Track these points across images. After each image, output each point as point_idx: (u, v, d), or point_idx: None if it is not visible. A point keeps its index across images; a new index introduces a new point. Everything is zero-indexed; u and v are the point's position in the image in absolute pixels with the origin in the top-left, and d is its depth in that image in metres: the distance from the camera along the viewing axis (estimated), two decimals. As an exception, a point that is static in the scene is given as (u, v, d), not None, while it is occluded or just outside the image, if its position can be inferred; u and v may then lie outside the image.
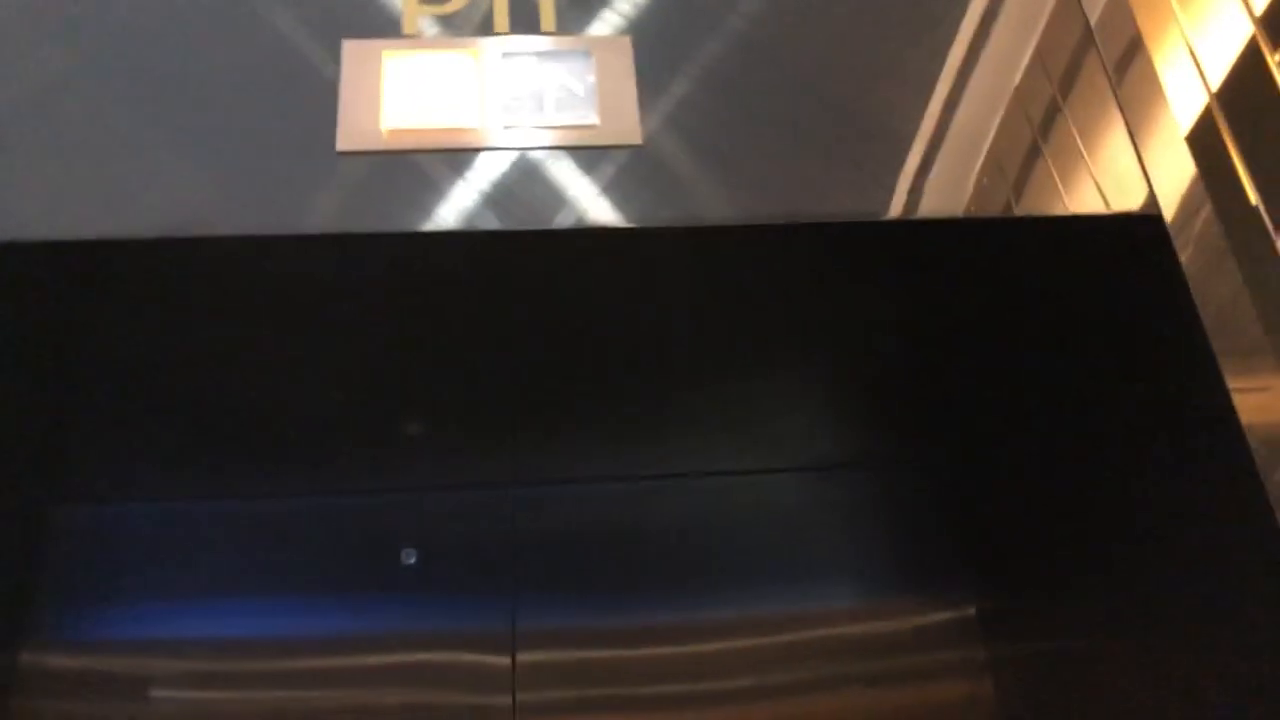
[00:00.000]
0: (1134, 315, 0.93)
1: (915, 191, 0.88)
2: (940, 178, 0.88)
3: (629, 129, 0.88)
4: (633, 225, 0.85)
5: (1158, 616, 0.94)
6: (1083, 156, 0.90)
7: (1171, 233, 0.85)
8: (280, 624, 1.23)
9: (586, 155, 0.87)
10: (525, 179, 0.86)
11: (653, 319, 1.06)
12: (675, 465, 1.33)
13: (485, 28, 0.92)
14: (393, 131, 0.86)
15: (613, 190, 0.86)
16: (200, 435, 1.19)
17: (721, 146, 0.88)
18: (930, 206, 0.87)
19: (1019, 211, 0.88)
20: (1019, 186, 0.89)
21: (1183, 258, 0.84)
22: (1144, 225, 0.87)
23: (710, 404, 1.22)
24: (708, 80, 0.91)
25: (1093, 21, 0.95)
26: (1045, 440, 1.12)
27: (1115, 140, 0.91)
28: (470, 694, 1.20)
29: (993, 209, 0.88)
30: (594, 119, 0.88)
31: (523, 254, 0.92)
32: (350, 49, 0.89)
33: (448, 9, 0.92)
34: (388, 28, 0.91)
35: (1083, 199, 0.89)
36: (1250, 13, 0.90)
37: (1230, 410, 0.78)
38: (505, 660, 1.22)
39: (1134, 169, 0.89)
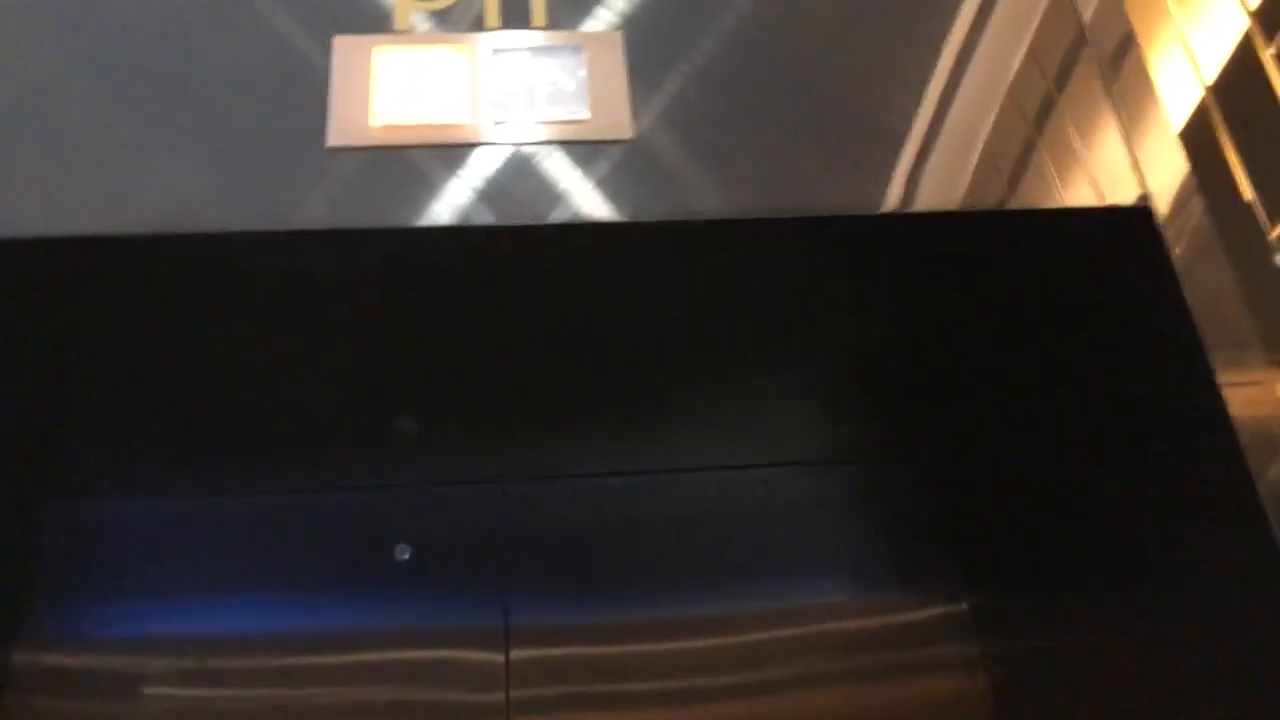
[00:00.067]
0: (1126, 310, 0.93)
1: (910, 186, 0.88)
2: (935, 173, 0.88)
3: (620, 124, 0.87)
4: (625, 220, 0.85)
5: (1150, 612, 0.94)
6: (1076, 152, 0.90)
7: (1163, 227, 0.85)
8: (274, 621, 1.23)
9: (578, 150, 0.87)
10: (516, 174, 0.86)
11: (647, 315, 1.06)
12: (669, 461, 1.33)
13: (476, 23, 0.92)
14: (383, 127, 0.86)
15: (604, 185, 0.86)
16: (194, 432, 1.19)
17: (714, 141, 0.88)
18: (925, 201, 0.87)
19: (1013, 206, 0.88)
20: (1013, 182, 0.89)
21: (1174, 252, 0.84)
22: (1135, 219, 0.87)
23: (705, 400, 1.22)
24: (700, 75, 0.91)
25: (1086, 17, 0.95)
26: (1038, 436, 1.12)
27: (1108, 136, 0.91)
28: (464, 691, 1.20)
29: (987, 204, 0.88)
30: (585, 114, 0.88)
31: (514, 249, 0.92)
32: (341, 44, 0.89)
33: (439, 4, 0.92)
34: (379, 23, 0.91)
35: (1076, 194, 0.89)
36: (1245, 7, 0.90)
37: (1221, 405, 0.78)
38: (499, 657, 1.22)
39: (1127, 164, 0.89)
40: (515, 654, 1.22)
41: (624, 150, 0.87)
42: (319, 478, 1.29)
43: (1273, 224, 0.83)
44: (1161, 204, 0.86)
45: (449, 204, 0.84)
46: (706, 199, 0.86)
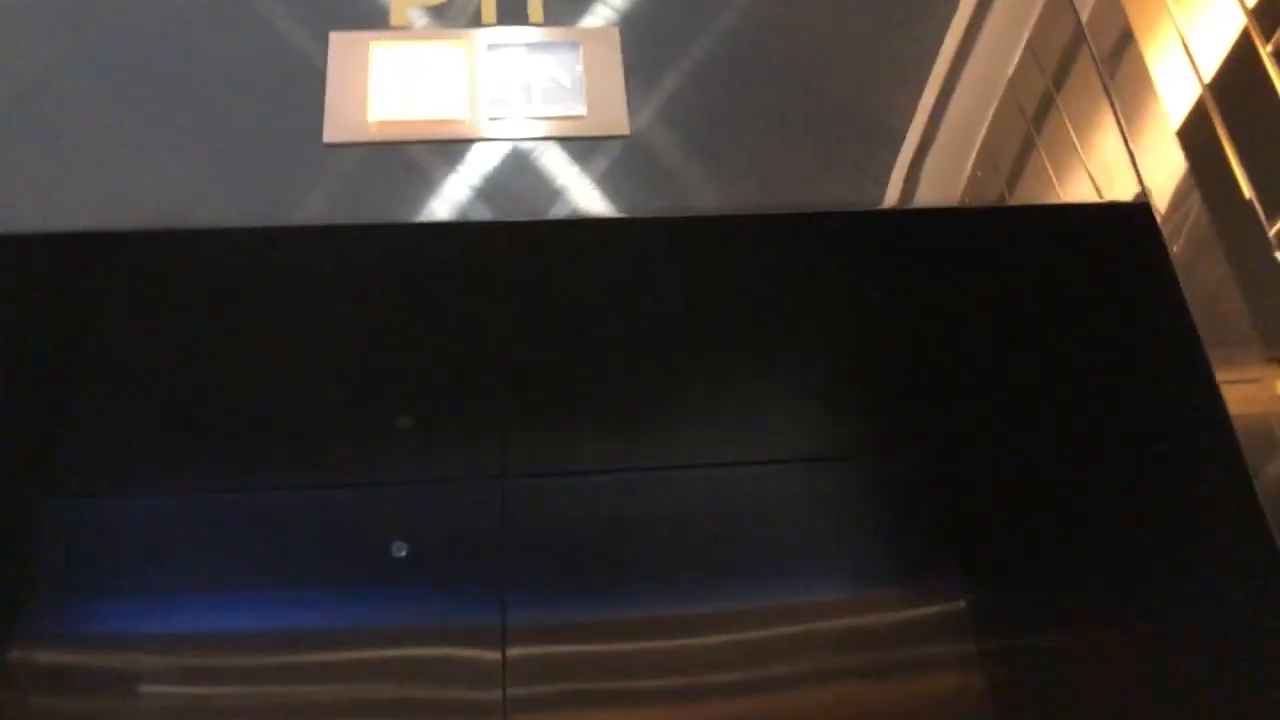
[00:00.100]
0: (1124, 308, 0.93)
1: (908, 182, 0.88)
2: (933, 169, 0.88)
3: (617, 120, 0.87)
4: (622, 216, 0.85)
5: (1147, 610, 0.94)
6: (1075, 149, 0.90)
7: (1161, 225, 0.85)
8: (271, 618, 1.23)
9: (574, 146, 0.87)
10: (513, 170, 0.86)
11: (645, 312, 1.06)
12: (667, 458, 1.33)
13: (473, 19, 0.92)
14: (380, 123, 0.86)
15: (601, 181, 0.86)
16: (192, 430, 1.19)
17: (711, 138, 0.88)
18: (923, 198, 0.87)
19: (1012, 202, 0.88)
20: (1012, 179, 0.89)
21: (1173, 250, 0.84)
22: (1134, 216, 0.87)
23: (703, 397, 1.22)
24: (697, 72, 0.91)
25: (1084, 15, 0.95)
26: (1036, 433, 1.12)
27: (1107, 133, 0.90)
28: (461, 688, 1.20)
29: (985, 201, 0.88)
30: (581, 110, 0.87)
31: (511, 245, 0.91)
32: (338, 40, 0.88)
33: (436, 0, 0.92)
34: (376, 19, 0.91)
35: (1075, 191, 0.89)
36: (1243, 5, 0.89)
37: (1219, 403, 0.78)
38: (495, 655, 1.22)
39: (1125, 162, 0.89)
40: (512, 651, 1.22)
41: (621, 146, 0.87)
42: (316, 475, 1.29)
43: (1271, 221, 0.83)
44: (1160, 201, 0.86)
45: (446, 200, 0.84)
46: (704, 195, 0.86)
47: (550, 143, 0.87)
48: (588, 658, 1.23)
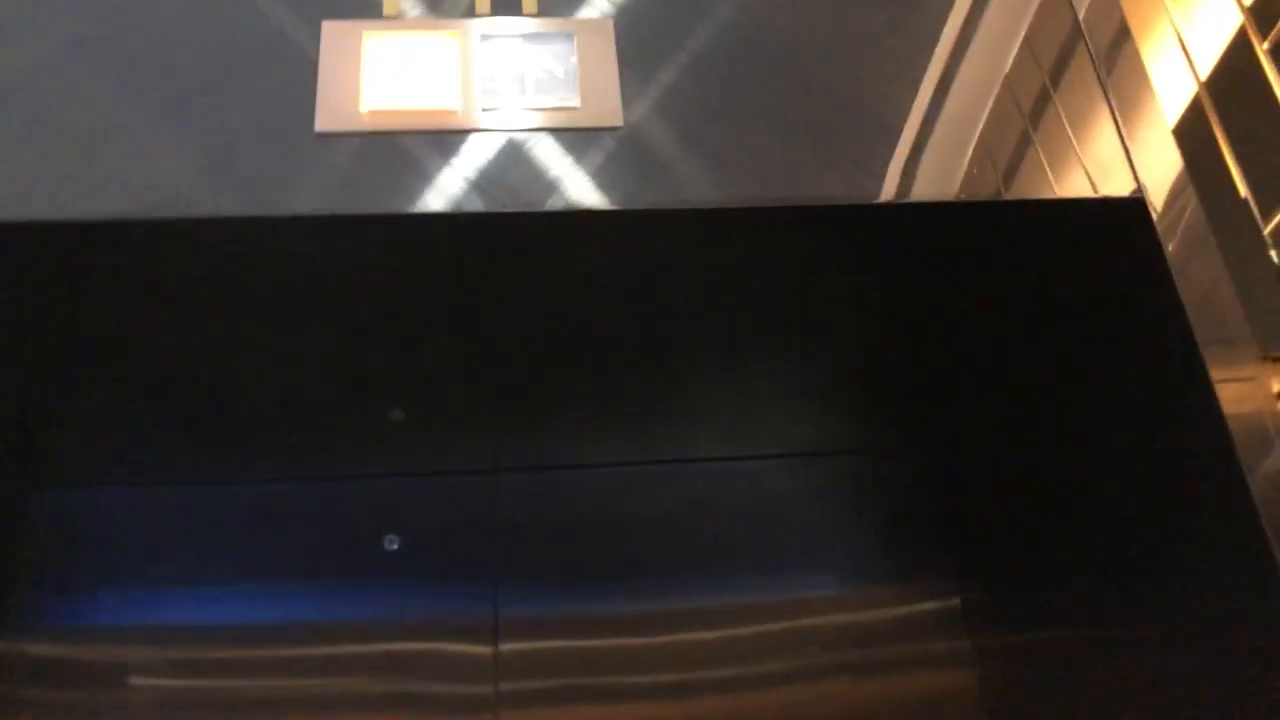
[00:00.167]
0: (1119, 305, 0.93)
1: (905, 177, 0.87)
2: (930, 164, 0.88)
3: (610, 111, 0.87)
4: (616, 208, 0.84)
5: (1142, 608, 0.94)
6: (1072, 145, 0.90)
7: (1156, 222, 0.85)
8: (261, 611, 1.22)
9: (568, 138, 0.86)
10: (506, 161, 0.85)
11: (639, 305, 1.06)
12: (660, 452, 1.33)
13: (467, 9, 0.91)
14: (372, 113, 0.85)
15: (595, 173, 0.85)
16: (181, 420, 1.18)
17: (706, 131, 0.88)
18: (920, 192, 0.87)
19: (1008, 197, 0.88)
20: (1008, 174, 0.89)
21: (1168, 247, 0.84)
22: (1129, 211, 0.87)
23: (696, 390, 1.22)
24: (692, 64, 0.91)
25: (1081, 11, 0.95)
26: (1031, 431, 1.12)
27: (1103, 130, 0.90)
28: (452, 682, 1.20)
29: (982, 196, 0.88)
30: (575, 101, 0.87)
31: (504, 237, 0.91)
32: (330, 29, 0.88)
33: (429, -10, 0.92)
34: (369, 8, 0.90)
35: (1071, 188, 0.89)
36: (1239, 2, 0.89)
37: (1213, 401, 0.78)
38: (488, 649, 1.22)
39: (1121, 159, 0.89)
40: (504, 646, 1.22)
41: (615, 138, 0.87)
42: (308, 467, 1.28)
43: (1266, 219, 0.83)
44: (1155, 198, 0.86)
45: (438, 191, 0.84)
46: (698, 188, 0.86)
47: (544, 134, 0.87)
48: (580, 653, 1.23)
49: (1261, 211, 0.83)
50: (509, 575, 1.25)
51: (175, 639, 1.20)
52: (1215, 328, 0.80)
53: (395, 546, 1.26)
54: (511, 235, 0.91)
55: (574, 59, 0.89)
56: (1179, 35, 0.90)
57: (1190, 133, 0.86)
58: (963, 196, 0.88)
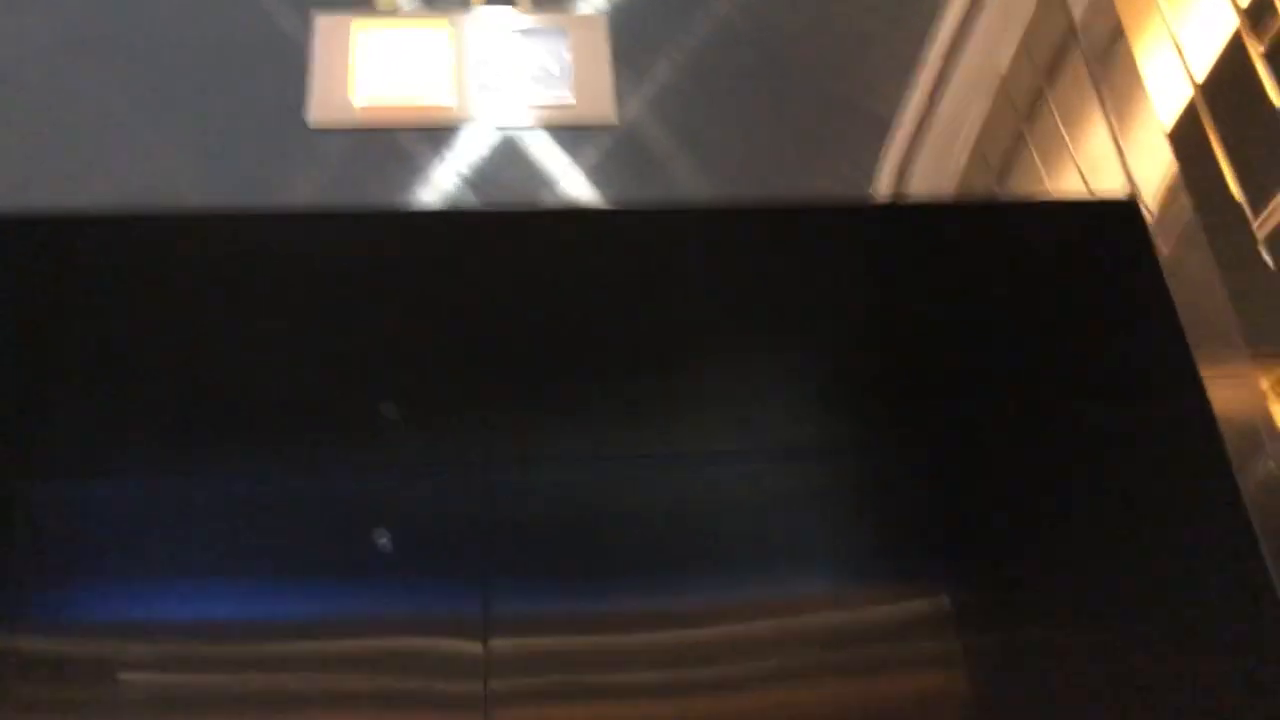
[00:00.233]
0: (1112, 305, 0.93)
1: (900, 176, 0.87)
2: (924, 163, 0.88)
3: (604, 108, 0.87)
4: (610, 206, 0.84)
5: (1132, 609, 0.94)
6: (1066, 145, 0.90)
7: (1149, 221, 0.85)
8: (251, 607, 1.22)
9: (562, 135, 0.86)
10: (499, 157, 0.85)
11: (631, 301, 1.06)
12: (653, 449, 1.33)
13: (460, 2, 0.91)
14: (364, 107, 0.85)
15: (589, 171, 0.85)
16: (172, 415, 1.18)
17: (701, 128, 0.87)
18: (914, 191, 0.87)
19: (1002, 197, 0.88)
20: (1003, 174, 0.89)
21: (1160, 248, 0.84)
22: (1122, 211, 0.87)
23: (687, 387, 1.22)
24: (686, 61, 0.90)
25: (1076, 12, 0.95)
26: (1022, 431, 1.12)
27: (1097, 129, 0.90)
28: (442, 680, 1.19)
29: (976, 195, 0.88)
30: (569, 98, 0.87)
31: (497, 234, 0.91)
32: (321, 22, 0.87)
33: (422, -18, 0.91)
34: (360, 0, 0.90)
35: (1064, 188, 0.89)
36: (1235, 5, 0.89)
37: (1204, 400, 0.78)
38: (478, 646, 1.21)
39: (1115, 160, 0.89)
40: (495, 643, 1.22)
41: (609, 135, 0.86)
42: (298, 462, 1.28)
43: (1258, 220, 0.83)
44: (1149, 200, 0.86)
45: (431, 186, 0.83)
46: (692, 186, 0.86)
47: (537, 131, 0.86)
48: (571, 650, 1.23)
49: (1254, 212, 0.83)
50: (500, 572, 1.25)
51: (164, 634, 1.19)
52: (1207, 328, 0.80)
53: (386, 542, 1.26)
54: (505, 232, 0.90)
55: (568, 55, 0.88)
56: (1173, 36, 0.90)
57: (1184, 133, 0.87)
58: (957, 196, 0.88)
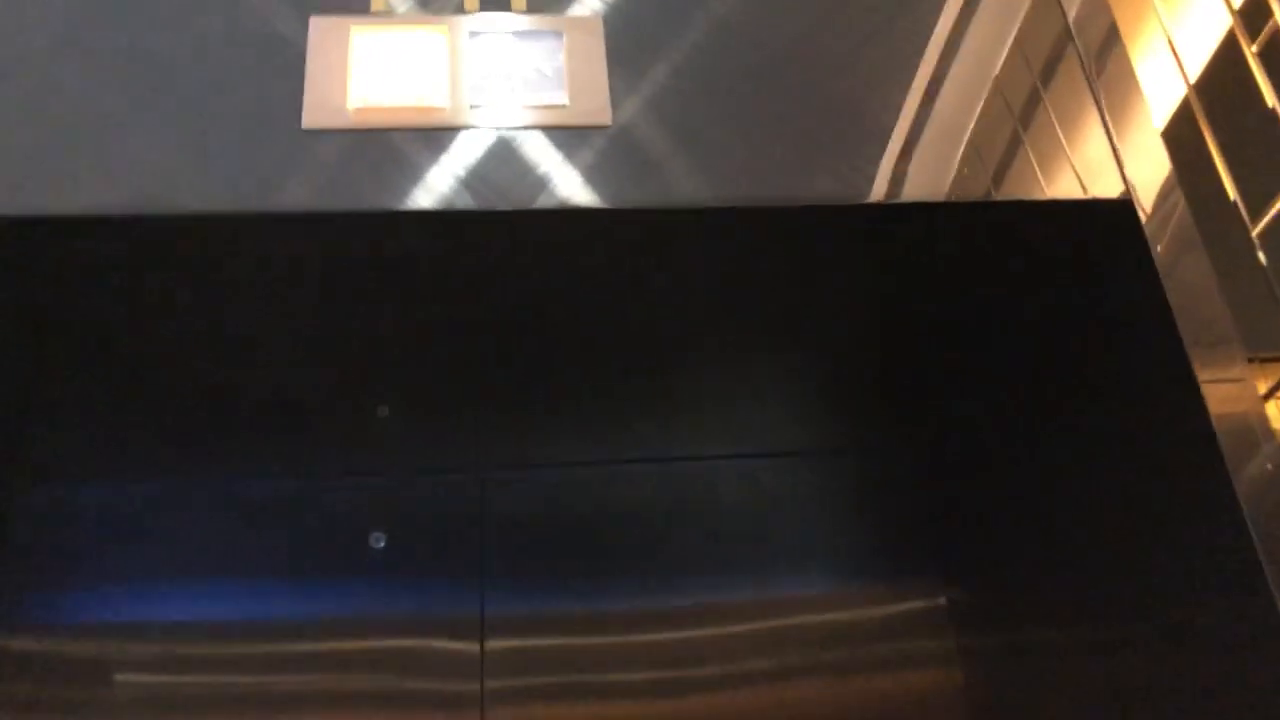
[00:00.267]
0: (1107, 306, 0.93)
1: (895, 177, 0.87)
2: (920, 164, 0.88)
3: (598, 110, 0.87)
4: (604, 207, 0.84)
5: (1127, 609, 0.94)
6: (1061, 146, 0.90)
7: (1145, 222, 0.85)
8: (247, 608, 1.22)
9: (557, 136, 0.86)
10: (494, 159, 0.85)
11: (628, 303, 1.06)
12: (646, 450, 1.32)
13: (456, 6, 0.91)
14: (359, 109, 0.85)
15: (584, 171, 0.85)
16: (168, 418, 1.18)
17: (696, 130, 0.87)
18: (910, 192, 0.87)
19: (997, 198, 0.88)
20: (998, 175, 0.89)
21: (1156, 249, 0.84)
22: (1117, 212, 0.87)
23: (683, 389, 1.22)
24: (681, 63, 0.90)
25: (1071, 13, 0.95)
26: (1018, 432, 1.12)
27: (1092, 131, 0.90)
28: (439, 680, 1.19)
29: (972, 196, 0.88)
30: (564, 99, 0.87)
31: (492, 235, 0.91)
32: (317, 24, 0.87)
33: (417, -15, 0.91)
34: (356, 3, 0.90)
35: (1060, 189, 0.89)
36: (1229, 5, 0.89)
37: (1200, 402, 0.78)
38: (474, 647, 1.21)
39: (1110, 160, 0.89)
40: (491, 644, 1.22)
41: (603, 137, 0.86)
42: (295, 464, 1.28)
43: (1254, 221, 0.83)
44: (1144, 200, 0.86)
45: (426, 188, 0.83)
46: (687, 187, 0.85)
47: (532, 132, 0.86)
48: (566, 651, 1.23)
49: (1249, 213, 0.83)
50: (496, 573, 1.25)
51: (159, 636, 1.19)
52: (1202, 329, 0.80)
53: (382, 544, 1.26)
54: (500, 233, 0.90)
55: (563, 57, 0.88)
56: (1168, 38, 0.90)
57: (1179, 135, 0.87)
58: (953, 197, 0.87)
